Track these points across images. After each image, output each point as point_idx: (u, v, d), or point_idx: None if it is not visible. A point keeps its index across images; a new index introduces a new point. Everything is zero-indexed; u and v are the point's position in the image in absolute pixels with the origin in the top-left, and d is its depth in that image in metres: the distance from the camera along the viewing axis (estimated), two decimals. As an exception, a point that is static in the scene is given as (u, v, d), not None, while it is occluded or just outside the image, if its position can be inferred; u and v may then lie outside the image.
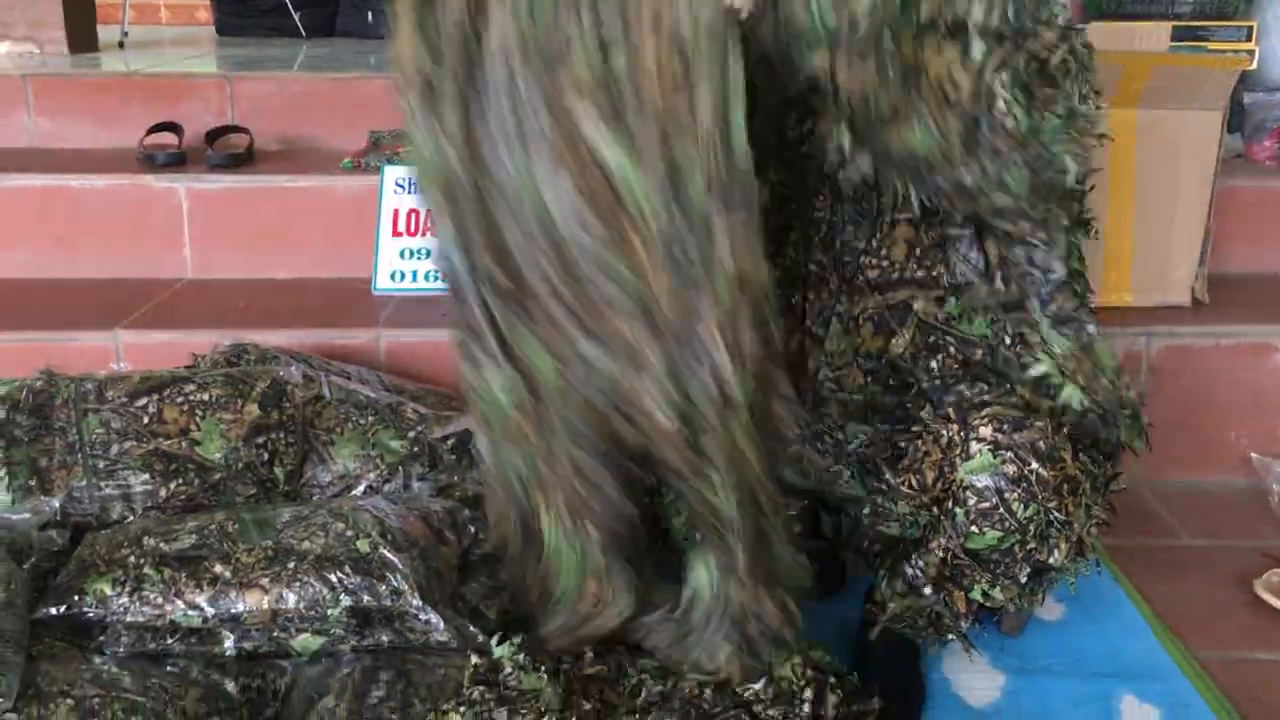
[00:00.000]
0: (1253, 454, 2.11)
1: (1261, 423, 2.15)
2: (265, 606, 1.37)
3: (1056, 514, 1.34)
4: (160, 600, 1.35)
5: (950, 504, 1.36)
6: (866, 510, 1.49)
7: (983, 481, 1.33)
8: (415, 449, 1.75)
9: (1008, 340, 1.39)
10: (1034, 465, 1.32)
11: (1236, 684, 1.60)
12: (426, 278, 2.25)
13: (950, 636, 1.49)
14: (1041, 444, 1.33)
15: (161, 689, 1.30)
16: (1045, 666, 1.63)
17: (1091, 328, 1.42)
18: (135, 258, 2.34)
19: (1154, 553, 1.93)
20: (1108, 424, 1.44)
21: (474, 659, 1.37)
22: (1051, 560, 1.37)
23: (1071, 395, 1.40)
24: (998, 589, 1.40)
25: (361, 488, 1.70)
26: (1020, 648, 1.66)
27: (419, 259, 2.27)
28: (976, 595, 1.41)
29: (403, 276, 2.26)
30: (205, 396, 1.64)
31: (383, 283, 2.25)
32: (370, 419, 1.77)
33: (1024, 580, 1.39)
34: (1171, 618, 1.75)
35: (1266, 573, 1.82)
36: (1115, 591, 1.80)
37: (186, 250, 2.35)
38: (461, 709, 1.30)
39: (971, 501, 1.34)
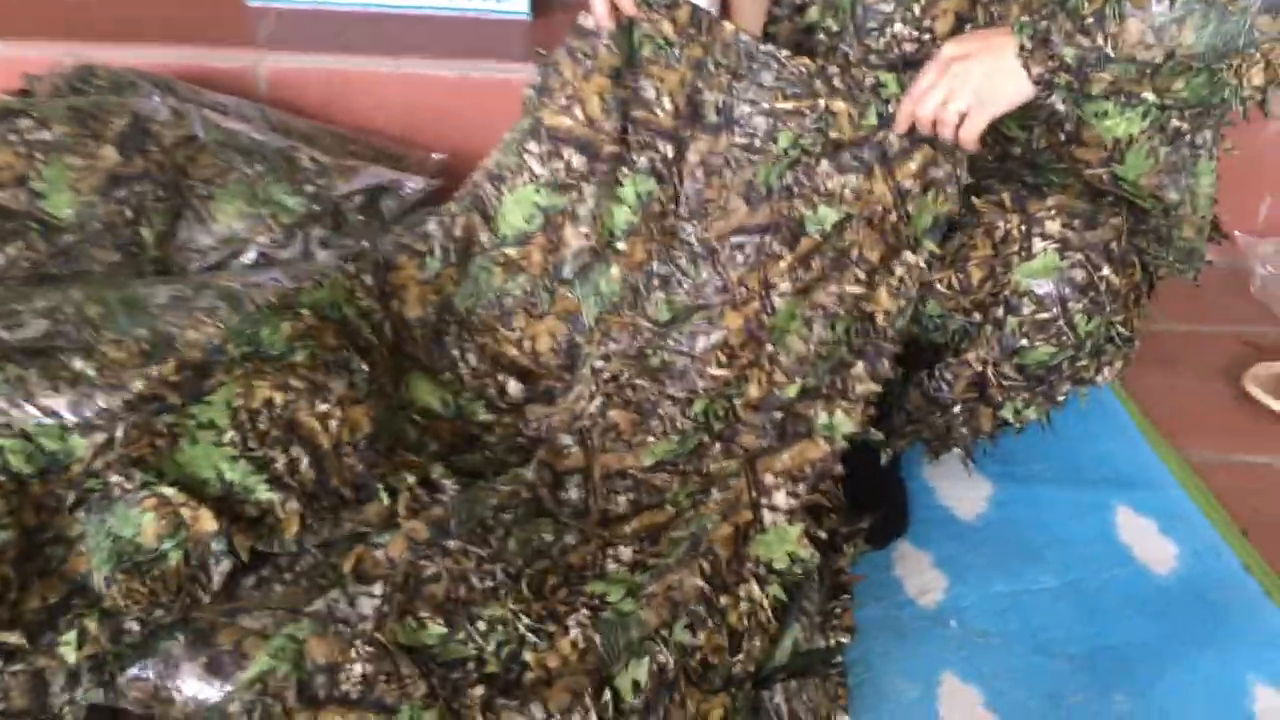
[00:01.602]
0: (1236, 232, 1.95)
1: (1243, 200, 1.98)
2: (142, 412, 1.09)
3: (1121, 329, 1.14)
4: (3, 405, 1.07)
5: (1000, 311, 1.15)
6: None
7: (1044, 288, 1.11)
8: (315, 207, 1.45)
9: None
10: (1105, 271, 1.10)
11: (1231, 490, 1.48)
12: (315, -12, 1.87)
13: (956, 449, 1.31)
14: (1115, 245, 1.11)
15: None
16: (1034, 473, 1.48)
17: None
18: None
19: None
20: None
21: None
22: (1099, 379, 1.18)
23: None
24: (1033, 409, 1.21)
25: (251, 254, 1.40)
26: (1007, 452, 1.50)
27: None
28: (1008, 414, 1.22)
29: (285, -15, 1.87)
30: (47, 135, 1.30)
31: (259, -9, 1.86)
32: (258, 168, 1.44)
33: (1060, 400, 1.20)
34: (1161, 416, 1.61)
35: (1255, 366, 1.70)
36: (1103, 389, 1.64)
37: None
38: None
39: (1027, 310, 1.13)
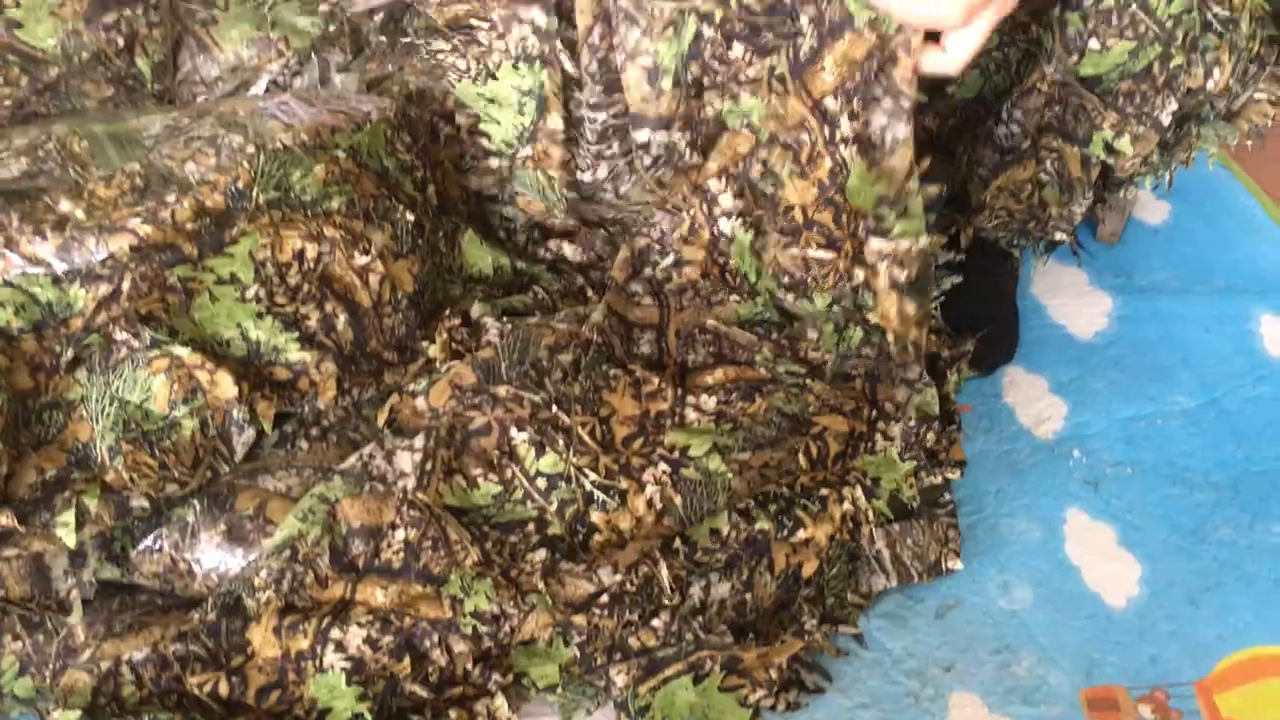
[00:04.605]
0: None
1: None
2: (140, 257, 0.96)
3: (1216, 7, 0.93)
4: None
5: (1058, 9, 0.94)
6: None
7: None
8: (331, 28, 1.28)
9: None
10: None
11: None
12: None
13: (1059, 235, 1.12)
14: None
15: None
16: (1159, 283, 1.30)
17: None
18: None
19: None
20: None
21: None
22: (1210, 84, 0.96)
23: None
24: (1126, 137, 1.00)
25: (262, 83, 1.24)
26: (1124, 260, 1.33)
27: None
28: (1097, 150, 1.02)
29: None
30: (19, -43, 1.15)
31: None
32: (264, -13, 1.28)
33: (1166, 123, 0.99)
34: (1302, 214, 1.41)
35: None
36: (1228, 183, 1.44)
37: None
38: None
39: (1089, 0, 0.93)
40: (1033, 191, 1.09)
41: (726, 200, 1.01)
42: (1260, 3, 0.96)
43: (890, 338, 1.00)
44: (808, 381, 1.03)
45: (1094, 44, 0.94)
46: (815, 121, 0.95)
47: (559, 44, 0.99)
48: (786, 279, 1.00)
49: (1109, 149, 1.02)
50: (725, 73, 0.95)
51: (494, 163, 1.07)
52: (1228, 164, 1.47)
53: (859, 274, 0.98)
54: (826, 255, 0.99)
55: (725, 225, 1.02)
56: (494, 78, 1.06)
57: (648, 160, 1.02)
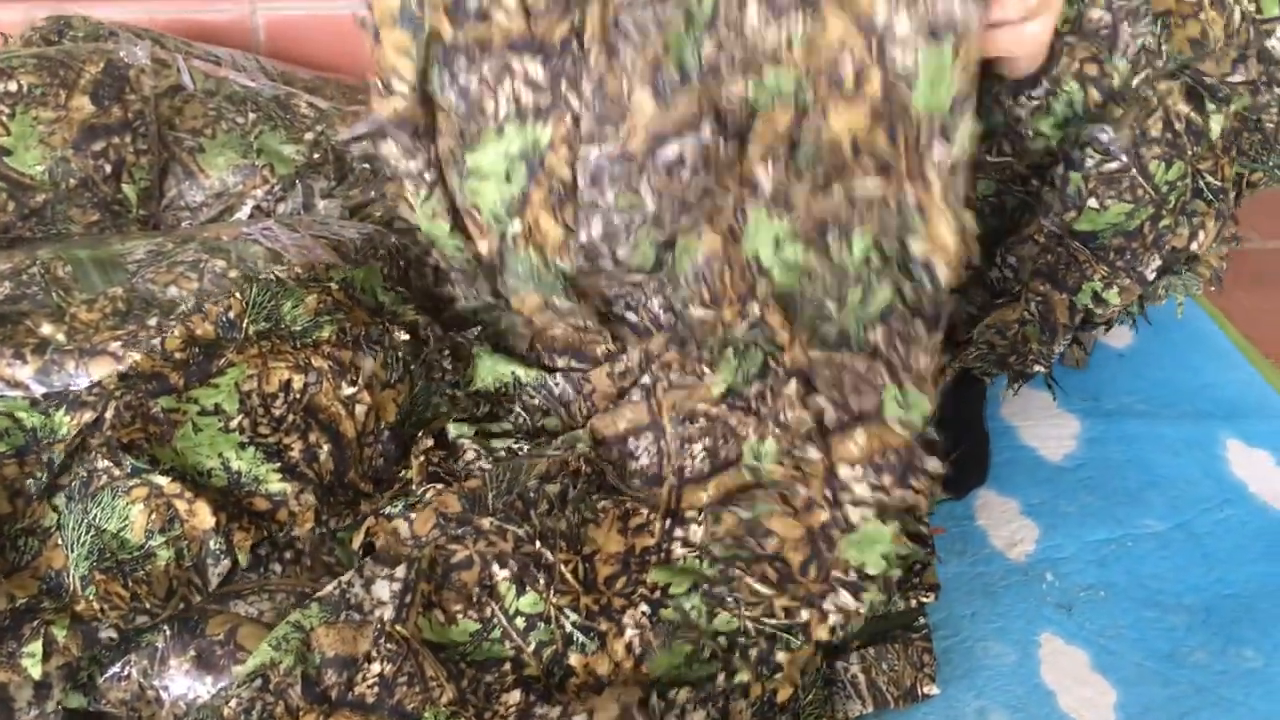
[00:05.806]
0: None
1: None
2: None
3: (1210, 178, 0.97)
4: (-35, 378, 0.94)
5: (1060, 168, 0.98)
6: None
7: (1110, 133, 0.94)
8: (315, 156, 1.32)
9: None
10: (1184, 107, 0.94)
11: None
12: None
13: (1037, 368, 1.14)
14: (1205, 76, 0.94)
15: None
16: (1125, 406, 1.32)
17: None
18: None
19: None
20: None
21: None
22: (1194, 245, 1.00)
23: None
24: (1114, 290, 1.03)
25: (247, 209, 1.27)
26: (1090, 383, 1.35)
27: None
28: (1085, 299, 1.04)
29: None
30: (12, 87, 1.17)
31: (253, -61, 1.73)
32: (252, 116, 1.31)
33: (1151, 278, 1.02)
34: (1263, 338, 1.45)
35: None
36: (1191, 309, 1.48)
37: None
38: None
39: (1091, 162, 0.96)
40: (1018, 330, 1.12)
41: (766, 184, 0.93)
42: (1240, 170, 1.00)
43: (940, 271, 0.91)
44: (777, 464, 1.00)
45: (1093, 203, 0.98)
46: (859, 36, 0.86)
47: (564, 83, 0.94)
48: (818, 231, 0.93)
49: (1097, 299, 1.05)
50: (742, 46, 0.89)
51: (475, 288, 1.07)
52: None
53: (910, 193, 0.89)
54: (875, 185, 0.89)
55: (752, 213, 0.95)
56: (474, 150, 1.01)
57: (685, 174, 0.94)
